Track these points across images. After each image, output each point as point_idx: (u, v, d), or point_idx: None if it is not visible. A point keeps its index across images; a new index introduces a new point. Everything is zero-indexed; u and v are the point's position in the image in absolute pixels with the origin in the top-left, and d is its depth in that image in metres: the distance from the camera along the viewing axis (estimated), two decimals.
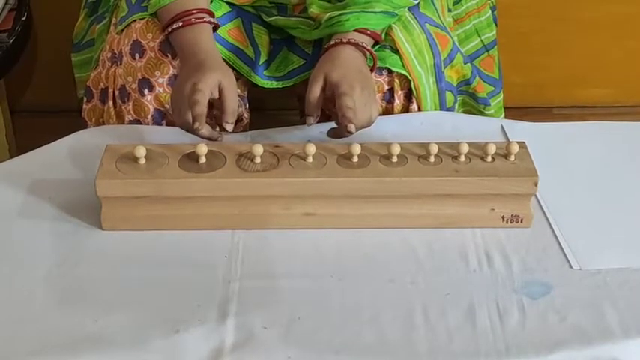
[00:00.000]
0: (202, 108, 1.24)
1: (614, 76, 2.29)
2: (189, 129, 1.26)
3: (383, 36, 1.43)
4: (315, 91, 1.32)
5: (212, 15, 1.39)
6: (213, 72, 1.28)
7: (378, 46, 1.43)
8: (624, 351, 1.06)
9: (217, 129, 1.30)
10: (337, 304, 1.11)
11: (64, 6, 1.90)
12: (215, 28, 1.40)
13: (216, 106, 1.30)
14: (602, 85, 2.31)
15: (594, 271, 1.16)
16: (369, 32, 1.39)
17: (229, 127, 1.28)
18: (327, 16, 1.40)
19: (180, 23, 1.36)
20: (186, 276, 1.14)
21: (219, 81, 1.28)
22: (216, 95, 1.28)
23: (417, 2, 1.46)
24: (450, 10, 1.61)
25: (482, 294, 1.12)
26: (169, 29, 1.37)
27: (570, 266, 1.17)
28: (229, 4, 1.48)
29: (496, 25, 1.70)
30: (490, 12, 1.68)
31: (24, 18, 1.76)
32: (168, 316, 1.08)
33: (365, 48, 1.38)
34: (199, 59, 1.32)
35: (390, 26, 1.43)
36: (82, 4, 1.66)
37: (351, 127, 1.25)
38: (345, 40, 1.37)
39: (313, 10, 1.43)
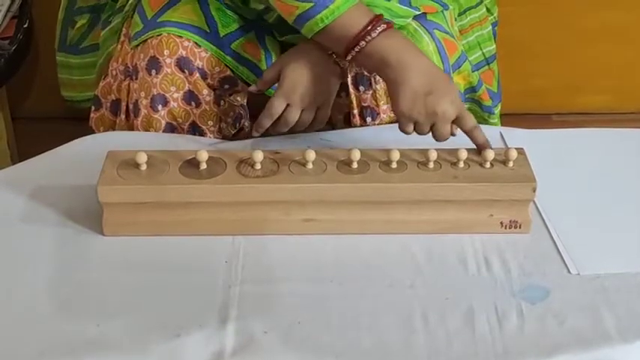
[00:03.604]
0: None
1: (612, 83, 2.30)
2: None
3: None
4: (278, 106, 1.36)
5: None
6: (453, 88, 1.29)
7: None
8: (622, 355, 1.06)
9: None
10: (337, 309, 1.11)
11: None
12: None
13: None
14: (601, 92, 2.31)
15: (592, 276, 1.17)
16: None
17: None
18: None
19: (384, 26, 1.28)
20: (186, 281, 1.15)
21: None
22: None
23: (419, 13, 1.45)
24: (455, 19, 1.62)
25: (481, 298, 1.12)
26: (372, 35, 1.27)
27: (569, 271, 1.18)
28: (242, 17, 1.48)
29: (495, 40, 1.71)
30: (490, 26, 1.68)
31: (25, 25, 1.77)
32: (169, 321, 1.08)
33: (335, 61, 1.36)
34: (425, 64, 1.28)
35: None
36: (68, 6, 1.66)
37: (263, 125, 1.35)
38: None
39: None
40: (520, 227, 1.24)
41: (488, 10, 1.69)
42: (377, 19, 1.28)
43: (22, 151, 1.96)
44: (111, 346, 1.05)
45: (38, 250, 1.20)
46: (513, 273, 1.17)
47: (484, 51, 1.65)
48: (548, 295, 1.13)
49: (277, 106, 1.35)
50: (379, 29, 1.27)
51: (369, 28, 1.27)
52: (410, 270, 1.17)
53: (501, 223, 1.23)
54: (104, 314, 1.10)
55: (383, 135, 1.41)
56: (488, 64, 1.66)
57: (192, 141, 1.42)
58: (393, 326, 1.08)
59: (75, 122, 1.57)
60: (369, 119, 1.46)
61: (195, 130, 1.45)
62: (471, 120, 1.28)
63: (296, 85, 1.35)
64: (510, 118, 1.71)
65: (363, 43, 1.27)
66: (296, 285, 1.15)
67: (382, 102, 1.45)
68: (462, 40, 1.63)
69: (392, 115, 1.46)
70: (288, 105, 1.36)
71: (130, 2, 1.51)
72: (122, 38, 1.51)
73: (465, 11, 1.65)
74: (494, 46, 1.68)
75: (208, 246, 1.21)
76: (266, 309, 1.11)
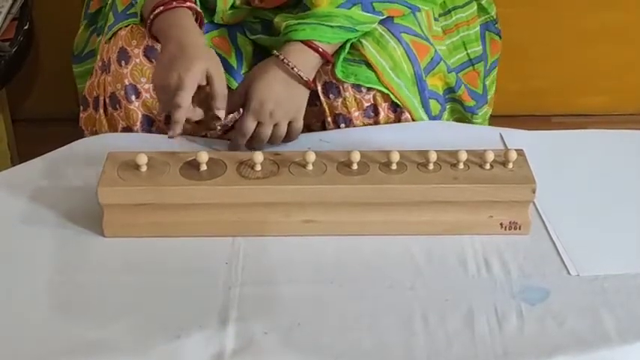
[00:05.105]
0: (183, 115, 1.27)
1: (612, 84, 2.30)
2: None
3: (346, 51, 1.42)
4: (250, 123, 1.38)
5: (194, 3, 1.39)
6: (198, 60, 1.29)
7: (352, 61, 1.43)
8: (622, 356, 1.07)
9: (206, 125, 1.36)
10: (337, 310, 1.12)
11: (65, 15, 1.91)
12: (197, 18, 1.39)
13: (206, 93, 1.32)
14: (600, 94, 2.32)
15: (592, 278, 1.17)
16: (320, 50, 1.39)
17: (221, 114, 1.33)
18: (285, 24, 1.41)
19: (162, 8, 1.35)
20: (187, 282, 1.15)
21: (205, 69, 1.30)
22: (204, 82, 1.31)
23: (383, 18, 1.43)
24: (436, 19, 1.60)
25: (481, 300, 1.13)
26: (151, 17, 1.36)
27: (568, 272, 1.18)
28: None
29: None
30: (479, 27, 1.66)
31: (26, 27, 1.77)
32: (170, 323, 1.09)
33: (298, 76, 1.38)
34: (181, 41, 1.32)
35: (359, 42, 1.42)
36: (82, 15, 1.67)
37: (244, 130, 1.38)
38: (281, 57, 1.38)
39: (277, 19, 1.45)
40: (520, 228, 1.24)
41: (484, 8, 1.67)
42: (169, 1, 1.35)
43: (22, 153, 1.96)
44: (111, 348, 1.06)
45: (38, 252, 1.20)
46: (513, 274, 1.17)
47: (469, 51, 1.63)
48: (548, 296, 1.14)
49: (248, 125, 1.38)
50: (160, 9, 1.36)
51: (157, 5, 1.36)
52: (410, 271, 1.17)
53: (501, 224, 1.24)
54: (104, 315, 1.10)
55: (382, 135, 1.42)
56: (472, 65, 1.63)
57: (192, 142, 1.42)
58: (393, 327, 1.09)
59: (75, 124, 1.57)
60: (342, 126, 1.47)
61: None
62: (178, 96, 1.29)
63: (262, 102, 1.37)
64: (510, 120, 1.71)
65: (152, 16, 1.36)
66: (296, 286, 1.15)
67: (353, 109, 1.45)
68: (446, 39, 1.60)
69: (365, 121, 1.46)
70: (259, 123, 1.38)
71: (108, 3, 1.52)
72: (102, 37, 1.51)
73: (450, 10, 1.62)
74: (480, 47, 1.65)
75: (208, 247, 1.21)
76: (266, 310, 1.11)
